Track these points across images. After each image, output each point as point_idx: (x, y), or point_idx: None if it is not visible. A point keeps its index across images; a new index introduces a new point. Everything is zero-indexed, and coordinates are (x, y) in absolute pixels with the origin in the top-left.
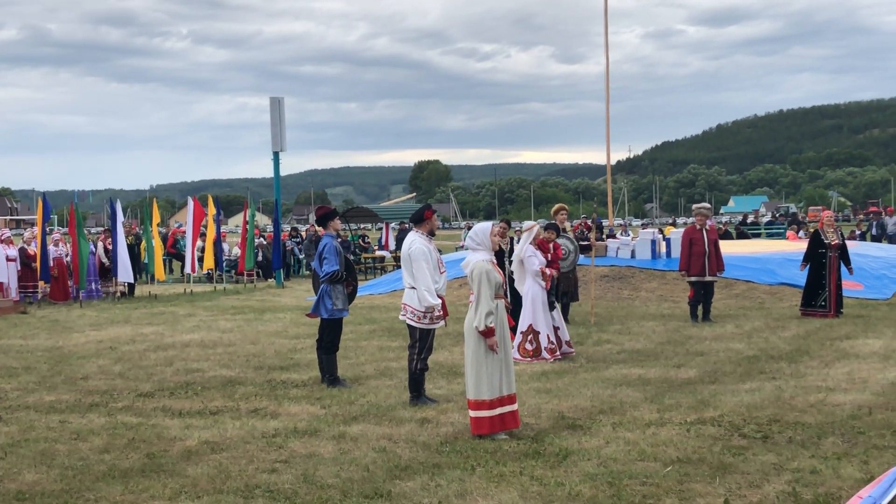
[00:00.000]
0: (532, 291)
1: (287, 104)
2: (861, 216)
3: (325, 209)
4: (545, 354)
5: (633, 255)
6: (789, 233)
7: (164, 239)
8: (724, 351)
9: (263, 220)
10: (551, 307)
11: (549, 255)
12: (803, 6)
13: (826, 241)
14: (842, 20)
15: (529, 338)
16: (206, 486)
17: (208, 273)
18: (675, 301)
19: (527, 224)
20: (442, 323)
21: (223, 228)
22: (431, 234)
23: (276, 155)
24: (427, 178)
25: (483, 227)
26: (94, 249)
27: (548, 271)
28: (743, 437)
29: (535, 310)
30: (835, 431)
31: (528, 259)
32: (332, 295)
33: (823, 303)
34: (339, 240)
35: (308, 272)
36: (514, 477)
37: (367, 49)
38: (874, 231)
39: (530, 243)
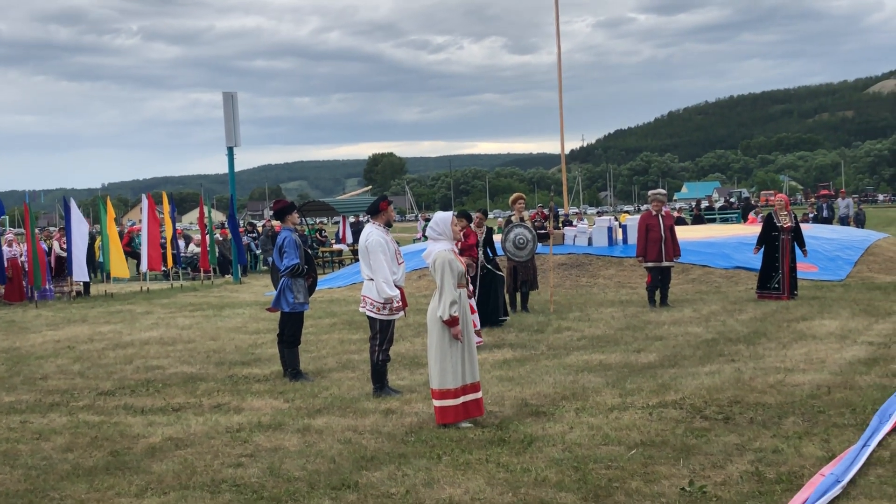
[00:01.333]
0: None
1: (240, 99)
2: (812, 199)
3: (283, 203)
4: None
5: (590, 243)
6: (750, 216)
7: (121, 237)
8: (682, 335)
9: (218, 217)
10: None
11: (459, 244)
12: None
13: (779, 224)
14: (790, 5)
15: None
16: (171, 482)
17: (164, 271)
18: (633, 287)
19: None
20: (402, 314)
21: (178, 226)
22: (388, 225)
23: (230, 150)
24: (382, 171)
25: (444, 217)
26: (45, 249)
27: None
28: (705, 418)
29: None
30: (795, 411)
31: None
32: (293, 288)
33: (777, 285)
34: (297, 234)
35: (265, 267)
36: (480, 464)
37: (320, 43)
38: (825, 213)
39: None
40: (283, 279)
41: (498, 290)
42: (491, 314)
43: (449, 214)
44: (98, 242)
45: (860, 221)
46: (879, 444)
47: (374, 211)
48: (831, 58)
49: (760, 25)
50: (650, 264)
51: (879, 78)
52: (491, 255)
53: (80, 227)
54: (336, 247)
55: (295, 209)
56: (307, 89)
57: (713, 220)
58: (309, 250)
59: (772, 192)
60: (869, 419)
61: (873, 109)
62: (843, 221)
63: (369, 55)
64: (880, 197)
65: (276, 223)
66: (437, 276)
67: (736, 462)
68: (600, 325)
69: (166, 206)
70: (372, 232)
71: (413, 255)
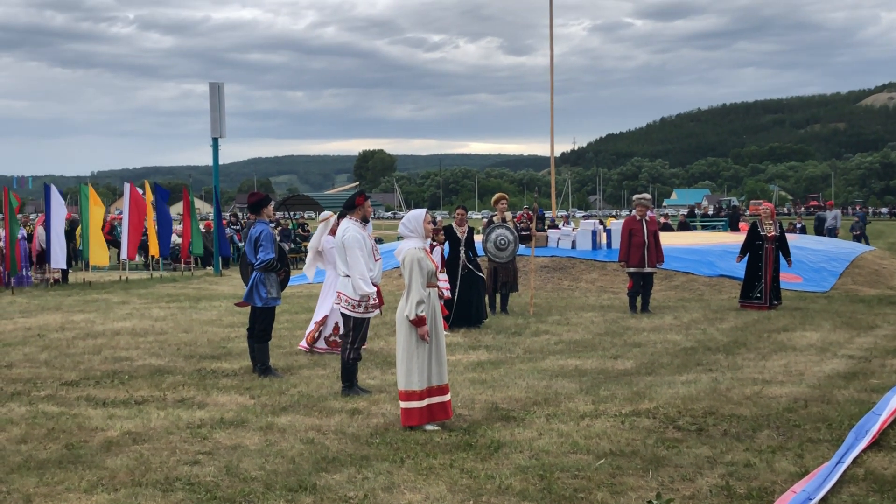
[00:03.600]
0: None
1: (233, 92)
2: (801, 210)
3: (258, 195)
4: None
5: (573, 246)
6: (742, 224)
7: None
8: (661, 342)
9: (206, 208)
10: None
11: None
12: (749, 1)
13: (763, 233)
14: (787, 16)
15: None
16: (124, 478)
17: (145, 261)
18: (615, 292)
19: (323, 214)
20: (377, 312)
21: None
22: (365, 220)
23: (215, 141)
24: (372, 167)
25: (416, 215)
26: (25, 235)
27: None
28: (677, 429)
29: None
30: (770, 424)
31: (329, 251)
32: (266, 283)
33: (759, 294)
34: (280, 228)
35: None
36: (443, 469)
37: (315, 37)
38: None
39: (329, 234)
40: (255, 273)
41: (480, 291)
42: (472, 315)
43: (422, 212)
44: (79, 230)
45: (860, 235)
46: (854, 461)
47: (350, 206)
48: (825, 69)
49: (757, 34)
50: (632, 269)
51: (872, 91)
52: (472, 255)
53: (60, 213)
54: None
55: (270, 202)
56: (300, 84)
57: (704, 227)
58: (292, 244)
59: (760, 201)
60: (845, 435)
61: (865, 122)
62: (831, 233)
63: (364, 51)
64: (883, 210)
65: (252, 216)
66: (406, 275)
67: (706, 475)
68: (579, 329)
69: (149, 196)
70: (348, 228)
71: (391, 253)
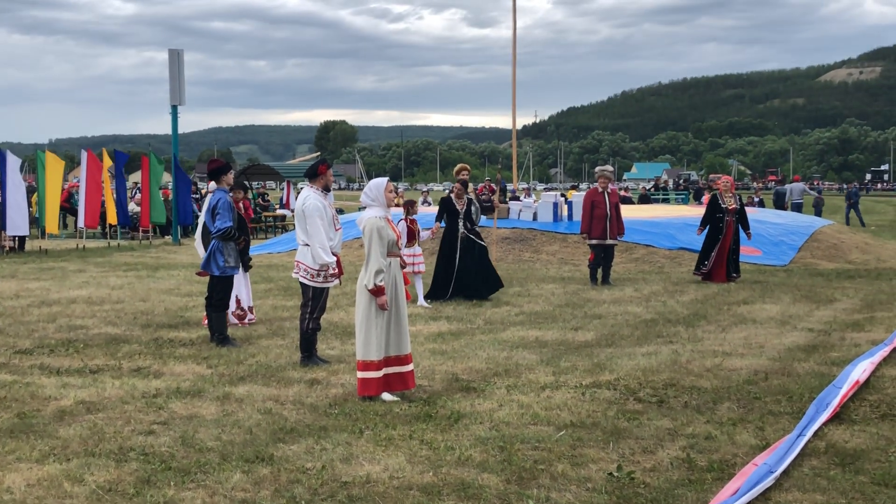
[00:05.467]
0: None
1: (194, 60)
2: (760, 184)
3: (218, 163)
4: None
5: (535, 218)
6: (706, 197)
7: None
8: (622, 314)
9: (165, 177)
10: (246, 269)
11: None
12: None
13: (723, 206)
14: None
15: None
16: (77, 447)
17: (103, 230)
18: (576, 264)
19: (210, 186)
20: (336, 282)
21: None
22: (326, 189)
23: (174, 109)
24: (333, 138)
25: (377, 183)
26: None
27: None
28: (638, 401)
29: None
30: (731, 396)
31: None
32: (223, 252)
33: (705, 264)
34: (232, 196)
35: None
36: (402, 441)
37: (279, 6)
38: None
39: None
40: (213, 241)
41: (483, 261)
42: (472, 286)
43: (383, 181)
44: (35, 197)
45: (818, 209)
46: (815, 434)
47: (313, 174)
48: (786, 45)
49: (719, 10)
50: (594, 242)
51: (831, 67)
52: (469, 226)
53: (17, 180)
54: (279, 212)
55: (229, 169)
56: (263, 53)
57: (665, 201)
58: (252, 214)
59: (719, 175)
60: (805, 408)
61: (824, 98)
62: (797, 208)
63: (328, 21)
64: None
65: (211, 183)
66: (366, 243)
67: (667, 447)
68: (540, 301)
69: (107, 163)
70: (309, 196)
71: (353, 223)
